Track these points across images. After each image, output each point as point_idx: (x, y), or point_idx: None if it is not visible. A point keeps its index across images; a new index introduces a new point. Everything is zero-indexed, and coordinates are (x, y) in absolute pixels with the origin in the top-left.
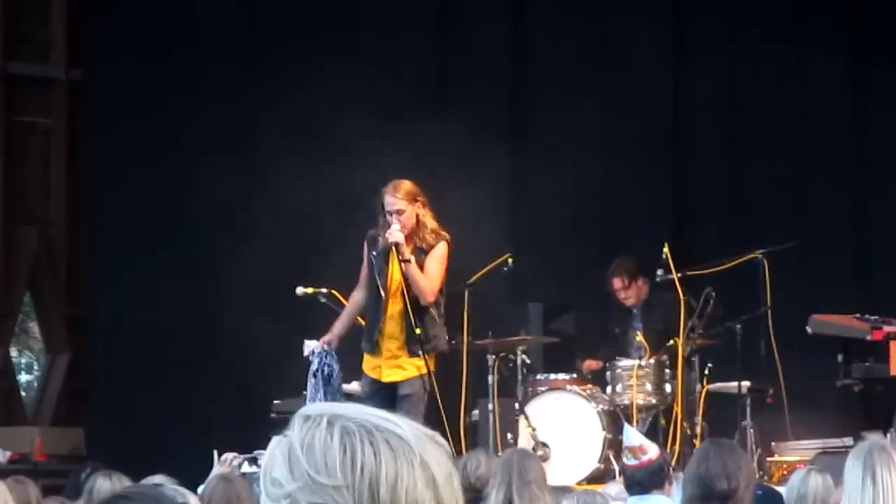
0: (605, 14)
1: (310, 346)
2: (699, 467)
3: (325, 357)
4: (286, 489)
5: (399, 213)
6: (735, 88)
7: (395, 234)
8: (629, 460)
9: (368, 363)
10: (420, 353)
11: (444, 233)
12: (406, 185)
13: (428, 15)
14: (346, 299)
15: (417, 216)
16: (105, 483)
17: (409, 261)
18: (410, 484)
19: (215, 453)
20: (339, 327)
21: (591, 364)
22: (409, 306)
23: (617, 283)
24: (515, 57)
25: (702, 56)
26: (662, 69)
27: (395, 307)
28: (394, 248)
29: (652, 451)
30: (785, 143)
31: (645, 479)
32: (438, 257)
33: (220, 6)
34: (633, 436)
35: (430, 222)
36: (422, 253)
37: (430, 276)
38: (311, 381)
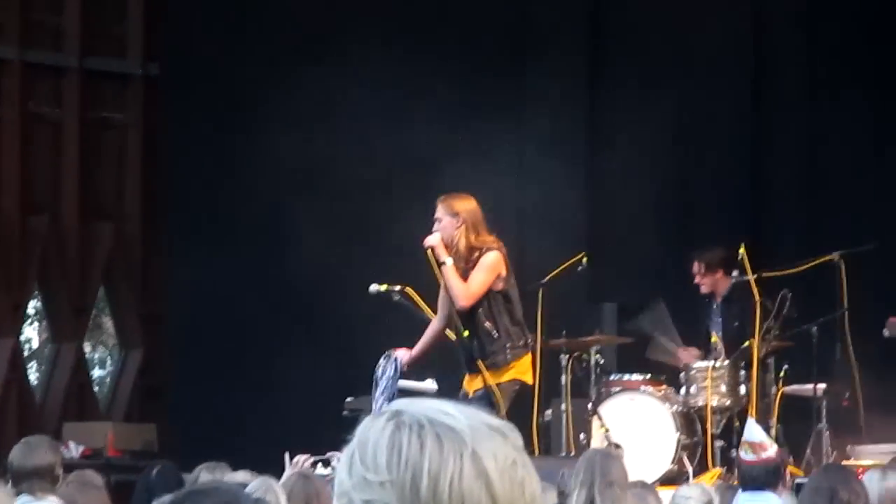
0: (683, 7)
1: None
2: (820, 481)
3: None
4: (343, 488)
5: (437, 220)
6: (816, 84)
7: (429, 238)
8: (747, 455)
9: None
10: (477, 370)
11: (489, 245)
12: (453, 198)
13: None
14: (419, 296)
15: (456, 232)
16: (206, 476)
17: (443, 263)
18: (456, 476)
19: (286, 456)
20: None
21: (691, 353)
22: (457, 315)
23: (694, 266)
24: (594, 55)
25: (782, 50)
26: (741, 67)
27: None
28: (429, 252)
29: (772, 449)
30: (865, 143)
31: (761, 477)
32: (481, 266)
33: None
34: (755, 432)
35: (470, 240)
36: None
37: (470, 283)
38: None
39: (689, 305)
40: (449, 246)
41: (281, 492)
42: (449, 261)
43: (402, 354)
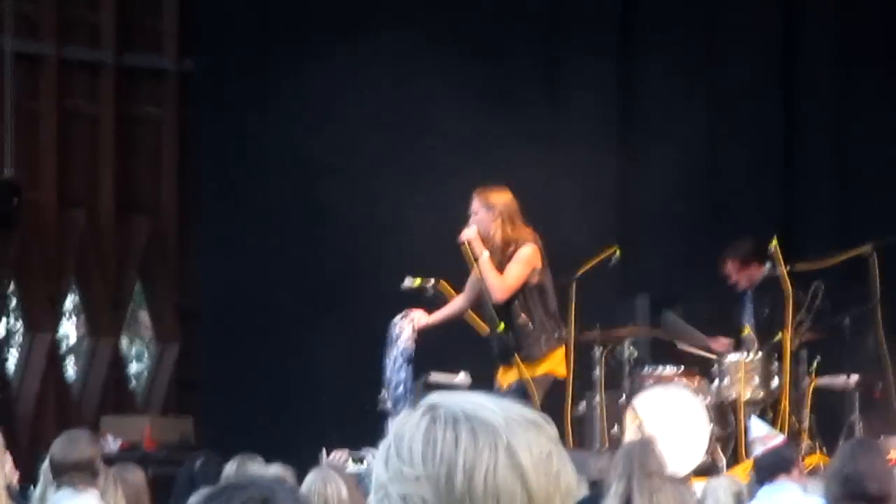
0: (714, 5)
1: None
2: (846, 467)
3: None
4: (380, 481)
5: (473, 213)
6: (847, 77)
7: (465, 232)
8: (757, 450)
9: None
10: (511, 363)
11: (525, 238)
12: (487, 191)
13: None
14: (454, 290)
15: (492, 225)
16: (235, 468)
17: (477, 258)
18: (491, 469)
19: (324, 451)
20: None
21: (720, 342)
22: (493, 308)
23: (727, 266)
24: (624, 48)
25: (812, 44)
26: (771, 58)
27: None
28: (465, 245)
29: (778, 437)
30: None
31: (771, 464)
32: (517, 260)
33: None
34: (758, 427)
35: (507, 233)
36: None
37: (506, 276)
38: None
39: (721, 297)
40: (485, 239)
41: (342, 484)
42: (485, 254)
43: (420, 317)
